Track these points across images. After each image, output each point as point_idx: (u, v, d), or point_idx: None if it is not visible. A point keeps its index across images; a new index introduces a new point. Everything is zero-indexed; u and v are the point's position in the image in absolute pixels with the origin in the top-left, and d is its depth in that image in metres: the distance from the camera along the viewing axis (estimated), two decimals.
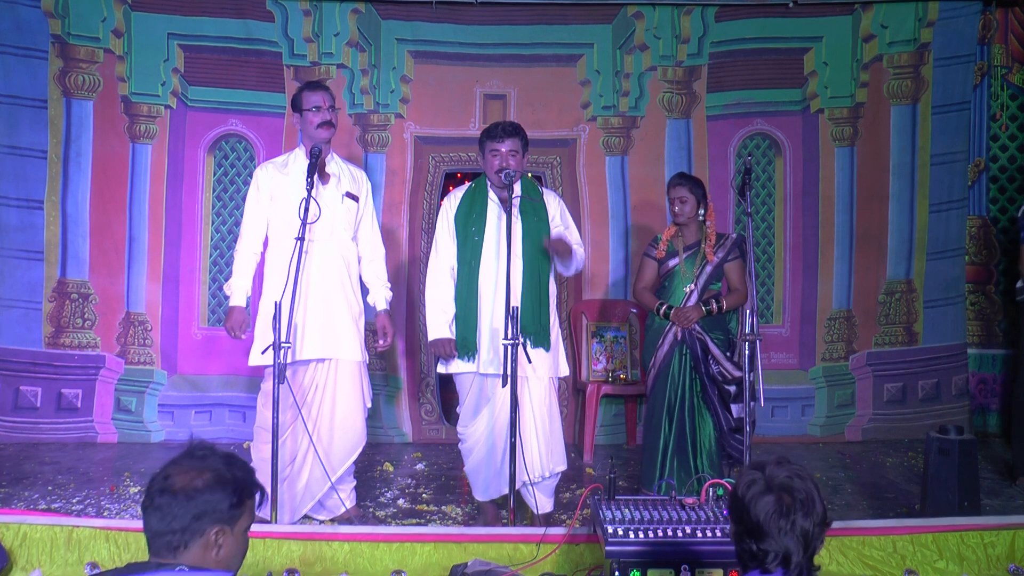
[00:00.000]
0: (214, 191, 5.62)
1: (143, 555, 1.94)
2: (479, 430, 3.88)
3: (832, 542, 3.16)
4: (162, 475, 1.83)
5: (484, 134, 3.87)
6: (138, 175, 5.55)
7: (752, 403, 3.68)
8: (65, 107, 5.46)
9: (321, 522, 3.96)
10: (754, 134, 5.77)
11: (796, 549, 1.80)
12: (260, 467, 3.85)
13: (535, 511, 3.89)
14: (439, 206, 5.64)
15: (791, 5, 5.58)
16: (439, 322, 3.90)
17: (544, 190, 4.03)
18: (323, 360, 3.88)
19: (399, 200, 5.66)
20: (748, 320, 3.60)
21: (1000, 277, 5.81)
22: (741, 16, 5.66)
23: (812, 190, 5.75)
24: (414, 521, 4.13)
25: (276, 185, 3.86)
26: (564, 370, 3.97)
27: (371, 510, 4.26)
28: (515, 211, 3.81)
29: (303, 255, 3.66)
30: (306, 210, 3.62)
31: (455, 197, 3.99)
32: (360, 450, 4.00)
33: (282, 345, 3.43)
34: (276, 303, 3.45)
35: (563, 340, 4.24)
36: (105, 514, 4.08)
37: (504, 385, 3.43)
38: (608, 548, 2.66)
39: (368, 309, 4.09)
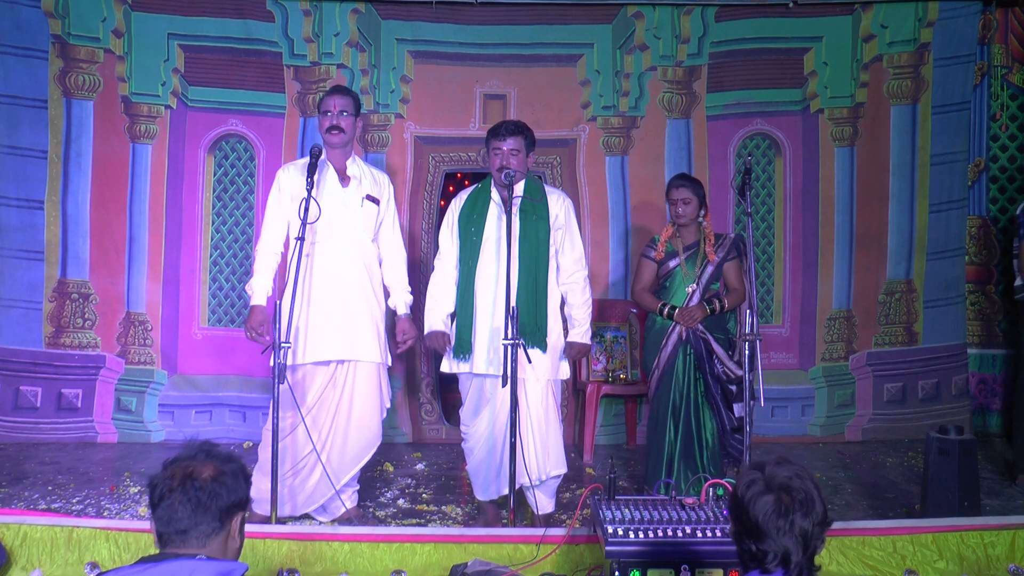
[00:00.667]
0: (214, 191, 5.62)
1: (143, 554, 1.94)
2: (480, 430, 3.89)
3: (832, 542, 3.16)
4: (182, 469, 1.87)
5: (488, 133, 3.89)
6: (138, 175, 5.55)
7: (752, 403, 3.68)
8: (65, 107, 5.46)
9: (321, 523, 3.97)
10: (754, 134, 5.77)
11: (795, 549, 1.80)
12: (264, 469, 3.88)
13: (536, 511, 3.89)
14: (439, 206, 5.67)
15: (791, 5, 5.58)
16: (434, 316, 3.93)
17: (553, 190, 4.02)
18: (342, 362, 3.89)
19: (399, 200, 5.64)
20: (748, 320, 3.60)
21: (1000, 277, 5.81)
22: (741, 16, 5.66)
23: (812, 190, 5.75)
24: (414, 521, 4.13)
25: (297, 186, 3.86)
26: (564, 373, 3.96)
27: (371, 510, 4.26)
28: (515, 211, 3.80)
29: (302, 256, 3.67)
30: (306, 210, 3.63)
31: (461, 197, 3.99)
32: (374, 451, 4.02)
33: (282, 345, 3.44)
34: (276, 303, 3.46)
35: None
36: (105, 514, 4.08)
37: (504, 385, 3.43)
38: (608, 548, 2.66)
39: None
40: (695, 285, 4.24)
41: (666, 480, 3.60)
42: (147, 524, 2.86)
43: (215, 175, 5.63)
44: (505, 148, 3.80)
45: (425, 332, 3.99)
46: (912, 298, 5.74)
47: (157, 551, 1.87)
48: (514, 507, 3.50)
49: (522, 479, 3.62)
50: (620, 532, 2.68)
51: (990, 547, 3.16)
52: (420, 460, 5.17)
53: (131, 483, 4.58)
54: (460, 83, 5.68)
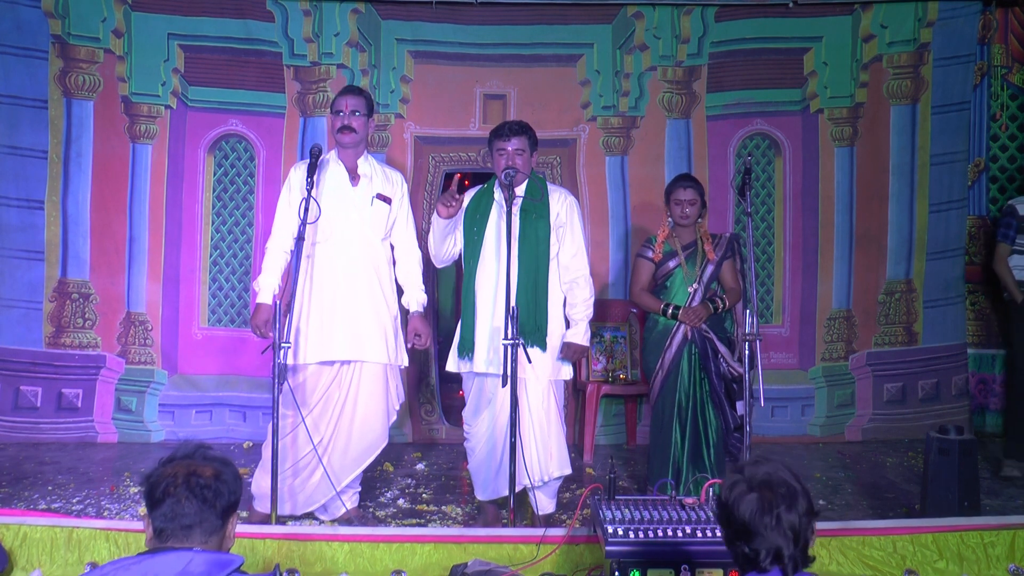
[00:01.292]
0: (214, 191, 5.62)
1: None
2: (481, 430, 3.89)
3: (832, 542, 3.16)
4: (185, 468, 1.90)
5: (492, 133, 3.89)
6: (138, 175, 5.55)
7: (751, 402, 3.69)
8: (65, 107, 5.46)
9: (321, 522, 3.97)
10: (754, 134, 5.77)
11: (786, 544, 1.80)
12: (266, 468, 3.88)
13: (536, 511, 3.89)
14: (439, 198, 5.66)
15: (791, 5, 5.58)
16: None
17: (556, 189, 4.01)
18: (347, 362, 3.89)
19: None
20: (748, 320, 3.60)
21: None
22: (741, 16, 5.66)
23: (812, 190, 5.75)
24: (414, 521, 4.13)
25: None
26: (566, 373, 3.95)
27: (371, 510, 4.26)
28: (516, 211, 3.81)
29: (303, 255, 3.68)
30: (306, 210, 3.63)
31: (468, 195, 4.00)
32: (378, 452, 4.02)
33: (282, 345, 3.44)
34: (273, 303, 3.47)
35: None
36: (105, 514, 4.08)
37: (504, 385, 3.43)
38: (608, 548, 2.66)
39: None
40: (697, 284, 4.24)
41: (666, 480, 3.60)
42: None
43: (215, 175, 5.63)
44: (510, 148, 3.81)
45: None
46: (912, 298, 5.74)
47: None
48: (514, 507, 3.50)
49: (523, 480, 3.62)
50: (620, 532, 2.69)
51: (990, 547, 3.17)
52: (420, 460, 5.17)
53: (131, 483, 4.58)
54: (460, 83, 5.68)
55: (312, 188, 3.67)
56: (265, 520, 3.59)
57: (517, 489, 3.53)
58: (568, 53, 5.71)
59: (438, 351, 5.61)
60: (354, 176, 3.95)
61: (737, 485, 1.87)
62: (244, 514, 4.01)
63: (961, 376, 5.72)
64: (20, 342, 5.41)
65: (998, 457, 5.04)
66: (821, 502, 4.46)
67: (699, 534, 2.68)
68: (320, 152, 3.78)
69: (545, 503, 3.89)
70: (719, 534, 2.63)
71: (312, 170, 3.71)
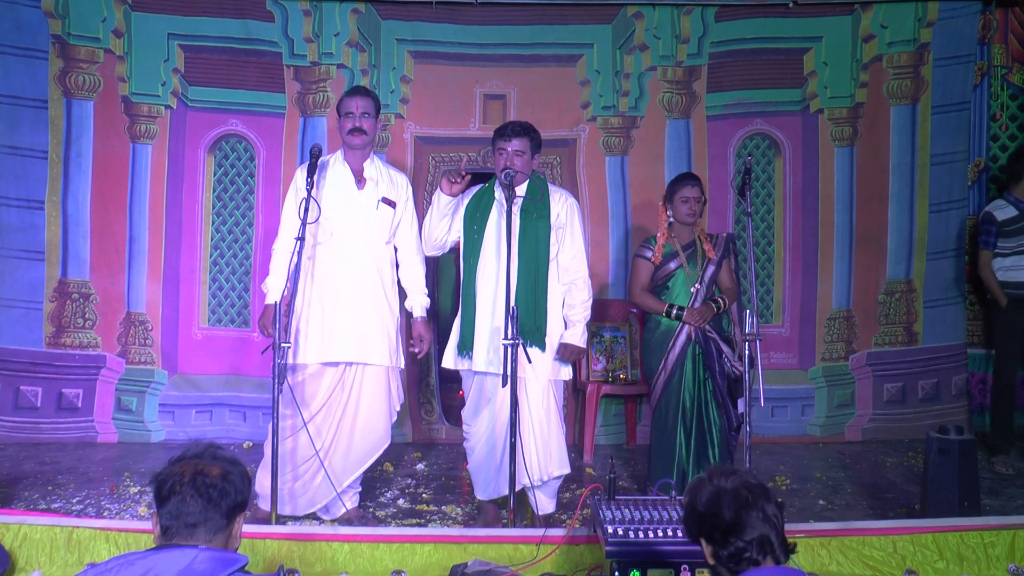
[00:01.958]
0: (214, 191, 5.62)
1: None
2: (480, 429, 3.89)
3: (832, 542, 3.16)
4: (192, 467, 1.92)
5: (495, 133, 3.90)
6: (138, 175, 5.55)
7: (751, 402, 3.69)
8: (65, 107, 5.46)
9: (322, 522, 3.97)
10: (754, 134, 5.77)
11: (774, 533, 1.91)
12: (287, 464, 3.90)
13: (536, 511, 3.89)
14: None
15: (791, 5, 5.58)
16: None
17: (557, 189, 4.01)
18: (350, 364, 3.89)
19: None
20: (748, 320, 3.60)
21: None
22: (741, 16, 5.66)
23: (812, 190, 5.75)
24: (414, 521, 4.13)
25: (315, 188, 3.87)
26: (566, 374, 3.95)
27: (371, 510, 4.26)
28: (516, 211, 3.81)
29: (303, 255, 3.68)
30: (306, 210, 3.63)
31: (469, 194, 4.00)
32: (380, 453, 4.02)
33: (282, 345, 3.44)
34: (276, 303, 3.47)
35: None
36: (105, 514, 4.08)
37: (504, 385, 3.43)
38: (608, 548, 2.66)
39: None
40: (699, 285, 4.24)
41: (666, 480, 3.60)
42: (147, 524, 2.87)
43: (215, 175, 5.63)
44: (510, 149, 3.81)
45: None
46: (912, 298, 5.74)
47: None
48: (514, 507, 3.50)
49: (523, 479, 3.62)
50: (620, 532, 2.69)
51: (990, 547, 3.17)
52: (420, 460, 5.17)
53: (131, 483, 4.59)
54: (460, 83, 5.68)
55: (312, 188, 3.67)
56: (267, 519, 3.59)
57: (517, 489, 3.53)
58: (568, 53, 5.71)
59: (438, 351, 5.61)
60: (360, 179, 3.95)
61: (712, 491, 1.95)
62: (246, 514, 4.02)
63: (961, 376, 5.72)
64: (20, 342, 5.41)
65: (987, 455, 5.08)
66: (821, 502, 4.46)
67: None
68: (320, 152, 3.78)
69: (545, 503, 3.90)
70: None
71: (312, 170, 3.71)
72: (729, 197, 5.63)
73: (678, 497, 2.92)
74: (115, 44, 5.50)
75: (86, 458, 5.06)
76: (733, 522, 1.90)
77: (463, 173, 3.79)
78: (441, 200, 3.85)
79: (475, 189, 4.01)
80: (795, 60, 5.73)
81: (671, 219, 4.32)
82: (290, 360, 3.74)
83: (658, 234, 4.34)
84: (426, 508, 4.33)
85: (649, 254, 4.33)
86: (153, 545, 1.91)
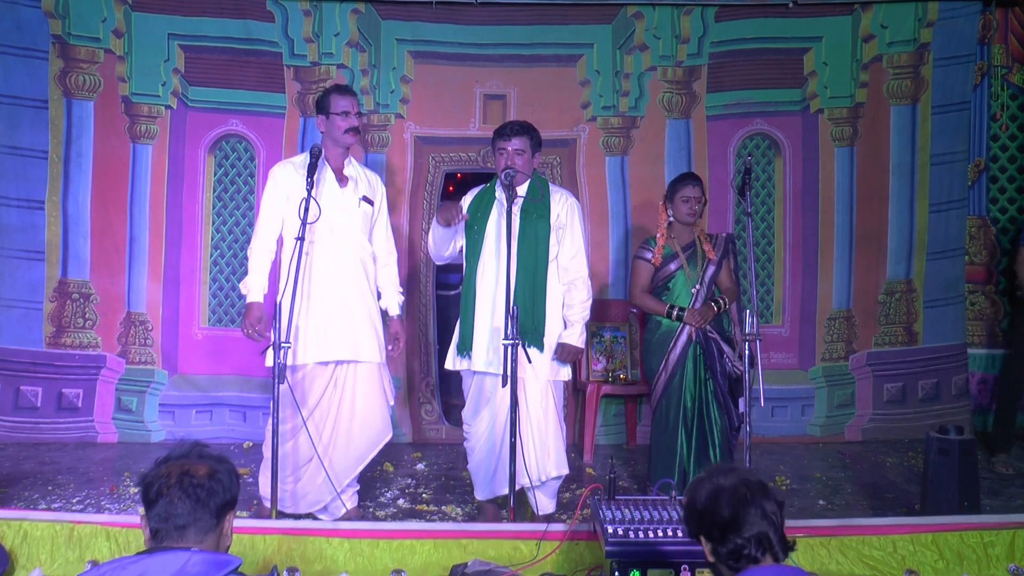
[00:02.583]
0: (214, 191, 5.62)
1: None
2: (480, 429, 3.89)
3: (832, 542, 3.16)
4: (179, 467, 1.89)
5: (494, 133, 3.90)
6: (139, 175, 5.55)
7: (751, 402, 3.69)
8: (66, 107, 5.46)
9: (322, 520, 3.97)
10: (754, 134, 5.77)
11: (772, 530, 1.90)
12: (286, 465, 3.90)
13: (536, 512, 3.88)
14: (439, 206, 5.67)
15: (791, 5, 5.58)
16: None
17: (558, 190, 4.01)
18: (342, 362, 3.89)
19: (399, 200, 5.66)
20: (748, 320, 3.60)
21: (1000, 277, 5.81)
22: (741, 16, 5.66)
23: (812, 190, 5.75)
24: (414, 521, 4.12)
25: (293, 185, 3.86)
26: (565, 374, 3.95)
27: (371, 510, 4.26)
28: (516, 211, 3.81)
29: (303, 256, 3.67)
30: (306, 210, 3.63)
31: (471, 194, 4.00)
32: (381, 446, 4.01)
33: (282, 345, 3.44)
34: (277, 303, 3.47)
35: None
36: (105, 514, 4.08)
37: (504, 385, 3.43)
38: (608, 548, 2.66)
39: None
40: (699, 286, 4.24)
41: (667, 480, 3.60)
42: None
43: (215, 175, 5.63)
44: (510, 148, 3.81)
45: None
46: (912, 298, 5.74)
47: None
48: (514, 507, 3.50)
49: (522, 479, 3.62)
50: (620, 532, 2.69)
51: (990, 547, 3.17)
52: (420, 460, 5.17)
53: (131, 483, 4.58)
54: (460, 83, 5.68)
55: (312, 188, 3.67)
56: (265, 519, 3.59)
57: (516, 489, 3.53)
58: (568, 53, 5.71)
59: (439, 350, 5.61)
60: (341, 178, 3.95)
61: (711, 489, 1.95)
62: (244, 514, 4.02)
63: (961, 376, 5.72)
64: (20, 342, 5.41)
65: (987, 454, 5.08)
66: (821, 502, 4.46)
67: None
68: (320, 152, 3.78)
69: (545, 503, 3.89)
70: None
71: (312, 170, 3.71)
72: (729, 197, 5.63)
73: (678, 497, 2.92)
74: (115, 44, 5.50)
75: (86, 458, 5.06)
76: (731, 519, 1.90)
77: (462, 213, 3.82)
78: (438, 230, 3.89)
79: (476, 189, 4.01)
80: (795, 60, 5.73)
81: (671, 219, 4.32)
82: (290, 360, 3.73)
83: (657, 235, 4.34)
84: (426, 508, 4.33)
85: (649, 256, 4.32)
86: (144, 548, 1.89)
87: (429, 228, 5.59)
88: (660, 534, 2.68)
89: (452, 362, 3.99)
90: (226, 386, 5.53)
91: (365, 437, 3.94)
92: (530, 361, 3.61)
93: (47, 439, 5.33)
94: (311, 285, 3.86)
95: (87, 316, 5.49)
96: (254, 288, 3.85)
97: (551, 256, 3.87)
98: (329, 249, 3.86)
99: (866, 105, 5.72)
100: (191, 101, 5.58)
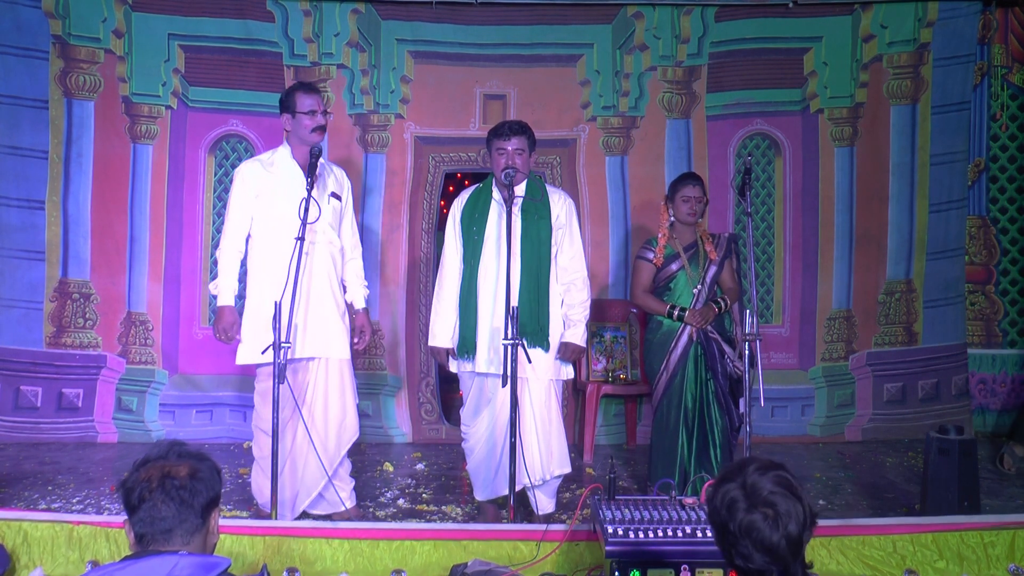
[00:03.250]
0: (215, 191, 5.63)
1: None
2: (480, 430, 3.89)
3: (832, 542, 3.16)
4: (159, 470, 1.86)
5: (491, 133, 3.88)
6: (139, 175, 5.56)
7: (751, 402, 3.69)
8: (66, 107, 5.46)
9: (316, 518, 3.97)
10: (754, 134, 5.77)
11: (776, 565, 1.75)
12: (262, 464, 3.88)
13: (536, 511, 3.89)
14: (439, 206, 5.67)
15: (791, 5, 5.58)
16: (436, 330, 3.97)
17: (555, 190, 4.01)
18: (313, 359, 3.88)
19: (399, 200, 5.66)
20: (748, 320, 3.60)
21: (1000, 277, 5.82)
22: (741, 16, 5.66)
23: (812, 190, 5.75)
24: (414, 521, 4.12)
25: (261, 183, 3.86)
26: (567, 373, 3.95)
27: (371, 510, 4.26)
28: (516, 211, 3.80)
29: (303, 255, 3.66)
30: (306, 210, 3.62)
31: (462, 198, 3.99)
32: (352, 442, 3.98)
33: (282, 345, 3.43)
34: (276, 303, 3.45)
35: None
36: (105, 514, 4.08)
37: (504, 385, 3.43)
38: (608, 548, 2.66)
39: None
40: (701, 286, 4.24)
41: (667, 480, 3.60)
42: None
43: (215, 175, 5.63)
44: (510, 148, 3.80)
45: (429, 344, 4.06)
46: (912, 298, 5.74)
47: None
48: (514, 507, 3.50)
49: (523, 479, 3.62)
50: (620, 532, 2.68)
51: (990, 547, 3.16)
52: (420, 460, 5.18)
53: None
54: (460, 83, 5.68)
55: (312, 188, 3.66)
56: (265, 519, 3.59)
57: (517, 489, 3.53)
58: (568, 53, 5.71)
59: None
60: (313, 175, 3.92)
61: (736, 503, 1.77)
62: (245, 514, 4.02)
63: (961, 376, 5.72)
64: (21, 342, 5.41)
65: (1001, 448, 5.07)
66: (821, 502, 4.46)
67: (699, 534, 2.68)
68: (319, 152, 3.78)
69: (545, 503, 3.89)
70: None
71: (312, 170, 3.70)
72: (729, 197, 5.63)
73: (678, 497, 2.92)
74: (115, 44, 5.50)
75: (86, 458, 5.06)
76: (734, 537, 1.76)
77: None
78: None
79: (469, 190, 4.01)
80: (795, 60, 5.73)
81: (672, 219, 4.32)
82: (261, 359, 3.70)
83: (659, 235, 4.34)
84: (426, 508, 4.33)
85: (651, 256, 4.32)
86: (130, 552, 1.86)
87: (429, 227, 5.62)
88: (660, 534, 2.68)
89: (452, 364, 3.99)
90: (226, 386, 5.53)
91: (337, 435, 3.89)
92: (530, 361, 3.60)
93: (47, 439, 5.33)
94: (279, 282, 3.82)
95: (87, 316, 5.49)
96: (225, 291, 3.83)
97: (552, 256, 3.87)
98: (304, 247, 3.79)
99: (866, 105, 5.72)
100: (191, 101, 5.58)
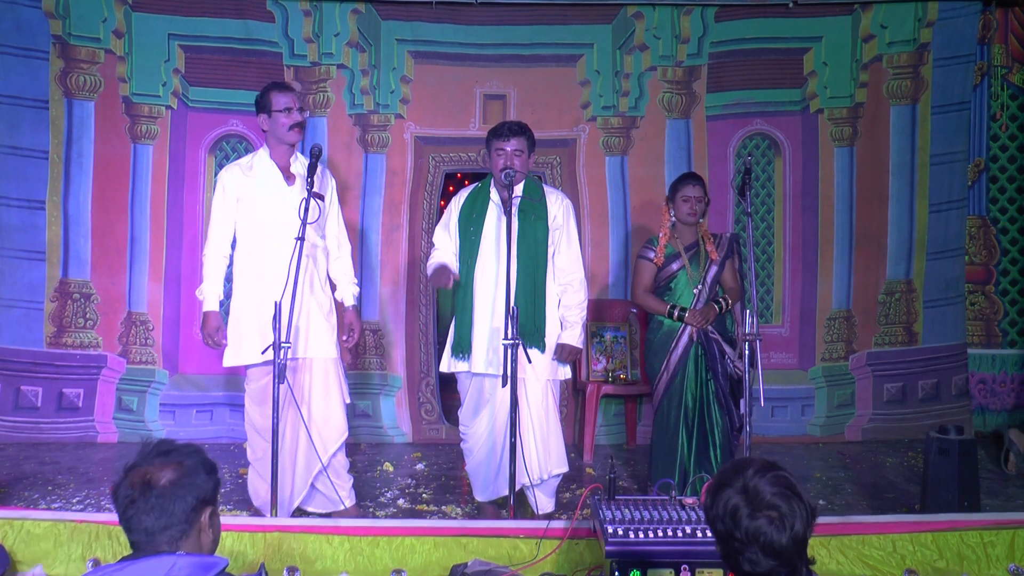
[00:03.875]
0: (215, 191, 5.61)
1: None
2: (479, 430, 3.89)
3: (832, 541, 3.16)
4: (139, 476, 1.83)
5: (490, 133, 3.87)
6: (139, 175, 5.56)
7: (751, 402, 3.69)
8: (66, 107, 5.47)
9: (314, 517, 3.97)
10: (754, 134, 5.77)
11: (800, 556, 1.75)
12: (256, 467, 3.88)
13: (536, 511, 3.89)
14: (439, 206, 5.67)
15: (791, 5, 5.58)
16: (437, 257, 3.96)
17: (553, 190, 4.01)
18: (296, 359, 3.86)
19: (399, 200, 5.66)
20: (748, 320, 3.60)
21: (1000, 277, 5.82)
22: (741, 16, 5.66)
23: (812, 190, 5.75)
24: (414, 520, 4.13)
25: (242, 187, 3.87)
26: (564, 373, 3.95)
27: (371, 510, 4.26)
28: (514, 211, 3.80)
29: (303, 256, 3.66)
30: (306, 210, 3.62)
31: (460, 196, 4.00)
32: (341, 443, 3.95)
33: (282, 345, 3.43)
34: (276, 303, 3.46)
35: None
36: (106, 513, 4.08)
37: (504, 385, 3.43)
38: (608, 548, 2.66)
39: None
40: (701, 286, 4.24)
41: (667, 480, 3.60)
42: None
43: (216, 175, 5.63)
44: (509, 149, 3.80)
45: (431, 269, 3.98)
46: (912, 298, 5.74)
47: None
48: (514, 507, 3.51)
49: (522, 479, 3.62)
50: (620, 532, 2.69)
51: (990, 546, 3.16)
52: (420, 460, 5.18)
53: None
54: (460, 83, 5.68)
55: (312, 188, 3.67)
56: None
57: (516, 489, 3.53)
58: (568, 53, 5.71)
59: (439, 351, 5.61)
60: (288, 175, 3.90)
61: (737, 509, 1.76)
62: (246, 513, 4.02)
63: (961, 376, 5.72)
64: (21, 342, 5.41)
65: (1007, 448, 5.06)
66: (821, 502, 4.46)
67: (699, 534, 2.68)
68: (320, 152, 3.77)
69: (545, 502, 3.90)
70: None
71: (312, 171, 3.70)
72: (729, 197, 5.63)
73: (678, 497, 2.92)
74: (116, 44, 5.51)
75: (86, 458, 5.07)
76: (739, 542, 1.75)
77: (453, 280, 3.85)
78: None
79: (467, 190, 4.01)
80: (795, 60, 5.74)
81: (673, 219, 4.31)
82: (248, 360, 3.76)
83: (660, 234, 4.34)
84: (426, 508, 4.33)
85: (652, 255, 4.32)
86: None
87: (429, 227, 5.62)
88: (660, 534, 2.68)
89: (447, 364, 3.98)
90: (227, 386, 5.52)
91: (321, 436, 3.85)
92: (530, 361, 3.61)
93: (47, 439, 5.33)
94: (255, 284, 3.82)
95: (88, 316, 5.50)
96: (210, 296, 3.88)
97: (548, 256, 3.87)
98: (278, 247, 3.77)
99: (866, 105, 5.72)
100: (191, 101, 5.58)
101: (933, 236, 5.71)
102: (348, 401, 4.03)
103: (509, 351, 3.41)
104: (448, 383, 5.71)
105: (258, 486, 3.88)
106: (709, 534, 2.64)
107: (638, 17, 5.69)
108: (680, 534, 2.68)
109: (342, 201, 4.32)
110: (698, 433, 4.18)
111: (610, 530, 2.69)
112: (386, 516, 4.20)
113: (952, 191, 5.72)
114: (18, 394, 5.39)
